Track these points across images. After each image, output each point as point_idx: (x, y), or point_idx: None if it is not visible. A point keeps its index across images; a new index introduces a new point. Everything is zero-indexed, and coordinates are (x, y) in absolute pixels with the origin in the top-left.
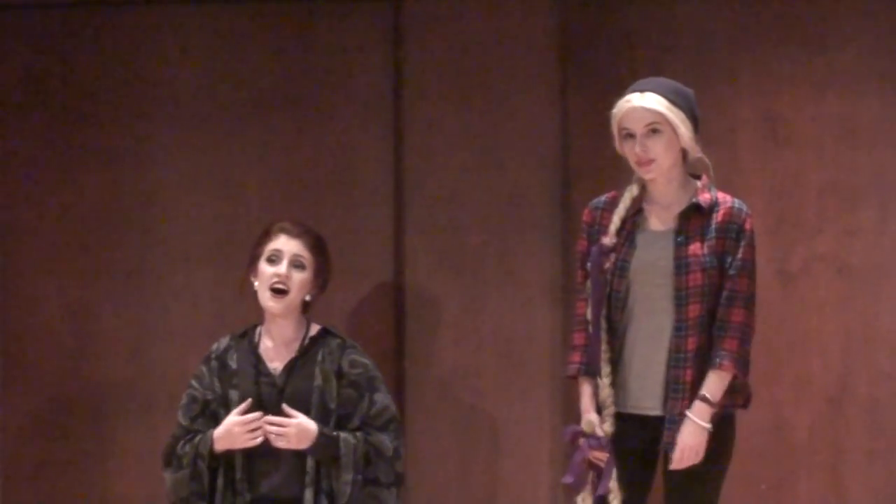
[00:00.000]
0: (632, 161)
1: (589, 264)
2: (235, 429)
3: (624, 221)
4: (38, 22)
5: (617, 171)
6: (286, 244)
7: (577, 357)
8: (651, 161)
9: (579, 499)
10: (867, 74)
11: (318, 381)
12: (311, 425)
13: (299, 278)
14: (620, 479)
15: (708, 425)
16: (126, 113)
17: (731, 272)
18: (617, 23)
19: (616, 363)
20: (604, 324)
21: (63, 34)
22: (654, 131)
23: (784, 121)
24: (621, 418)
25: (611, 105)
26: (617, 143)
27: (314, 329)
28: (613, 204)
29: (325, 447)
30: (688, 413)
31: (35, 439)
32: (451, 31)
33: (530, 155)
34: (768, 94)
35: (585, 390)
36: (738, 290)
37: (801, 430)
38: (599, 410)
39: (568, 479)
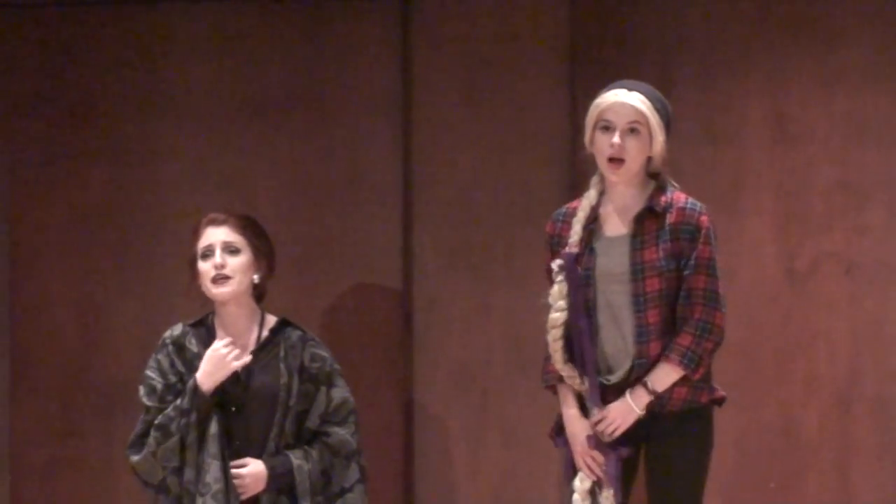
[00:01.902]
0: (602, 156)
1: (560, 275)
2: (220, 352)
3: (583, 230)
4: (48, 20)
5: None
6: (214, 235)
7: (551, 367)
8: (622, 161)
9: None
10: (876, 72)
11: (284, 378)
12: (261, 469)
13: (237, 262)
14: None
15: (639, 411)
16: (134, 111)
17: (687, 272)
18: (626, 21)
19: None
20: (588, 331)
21: (72, 32)
22: (633, 130)
23: (793, 118)
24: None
25: None
26: (588, 136)
27: (271, 321)
28: (573, 214)
29: (280, 483)
30: (627, 392)
31: (44, 437)
32: (460, 29)
33: (539, 153)
34: (777, 91)
35: (568, 395)
36: (696, 288)
37: (810, 429)
38: (584, 411)
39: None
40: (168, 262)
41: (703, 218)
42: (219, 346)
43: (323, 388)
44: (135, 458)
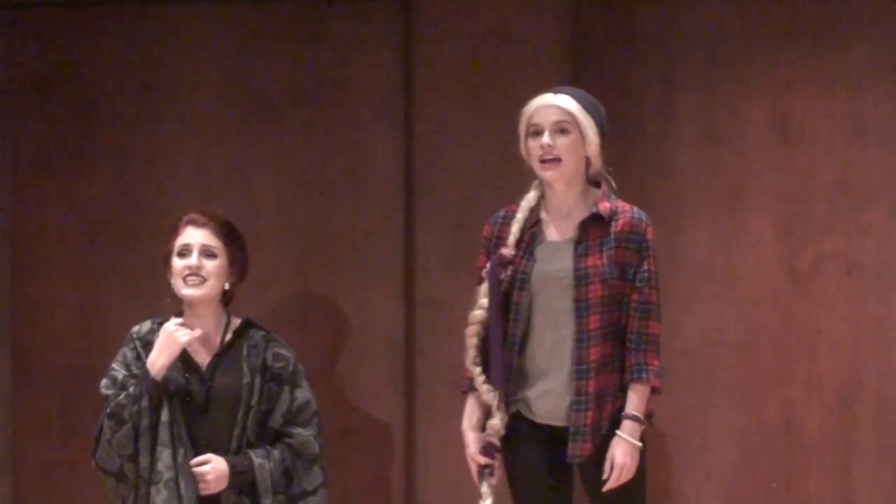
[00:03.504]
0: (535, 160)
1: (486, 274)
2: (170, 327)
3: (522, 232)
4: (51, 21)
5: (625, 170)
6: (193, 235)
7: (469, 374)
8: (556, 160)
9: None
10: (877, 73)
11: (247, 378)
12: (223, 466)
13: (212, 266)
14: (535, 489)
15: (640, 443)
16: (136, 111)
17: (640, 284)
18: (627, 21)
19: (518, 375)
20: (500, 333)
21: (75, 33)
22: (563, 131)
23: (794, 120)
24: (532, 426)
25: (622, 104)
26: (522, 143)
27: (236, 323)
28: (512, 216)
29: (241, 480)
30: (619, 433)
31: (45, 438)
32: (462, 29)
33: None
34: (778, 93)
35: (469, 405)
36: (651, 303)
37: (812, 429)
38: (483, 424)
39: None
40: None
41: (650, 230)
42: (169, 324)
43: (286, 388)
44: (96, 457)
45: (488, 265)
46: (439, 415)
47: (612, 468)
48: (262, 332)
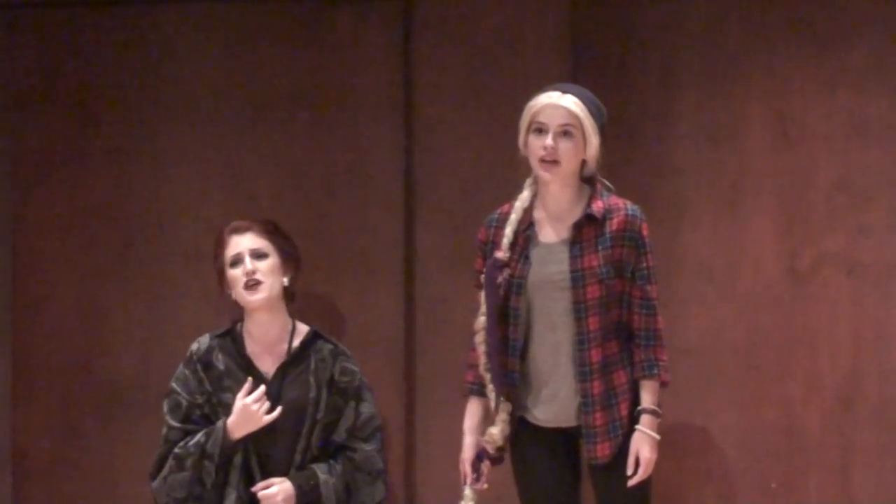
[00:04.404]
0: (535, 158)
1: (482, 278)
2: (252, 407)
3: (517, 235)
4: (52, 20)
5: (626, 170)
6: (240, 243)
7: (470, 377)
8: (556, 163)
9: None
10: (878, 72)
11: (313, 392)
12: (289, 486)
13: (266, 267)
14: (542, 491)
15: (658, 436)
16: (137, 111)
17: (640, 282)
18: (627, 21)
19: (519, 378)
20: (499, 333)
21: (76, 32)
22: (567, 133)
23: (794, 119)
24: (537, 429)
25: (622, 104)
26: (521, 138)
27: (302, 330)
28: (506, 218)
29: (307, 499)
30: (641, 428)
31: (46, 437)
32: (461, 29)
33: None
34: (779, 91)
35: (471, 409)
36: (653, 298)
37: (812, 429)
38: (483, 428)
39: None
40: (170, 261)
41: (644, 225)
42: (250, 401)
43: (352, 403)
44: (153, 482)
45: (485, 269)
46: (439, 415)
47: (636, 464)
48: (330, 346)
